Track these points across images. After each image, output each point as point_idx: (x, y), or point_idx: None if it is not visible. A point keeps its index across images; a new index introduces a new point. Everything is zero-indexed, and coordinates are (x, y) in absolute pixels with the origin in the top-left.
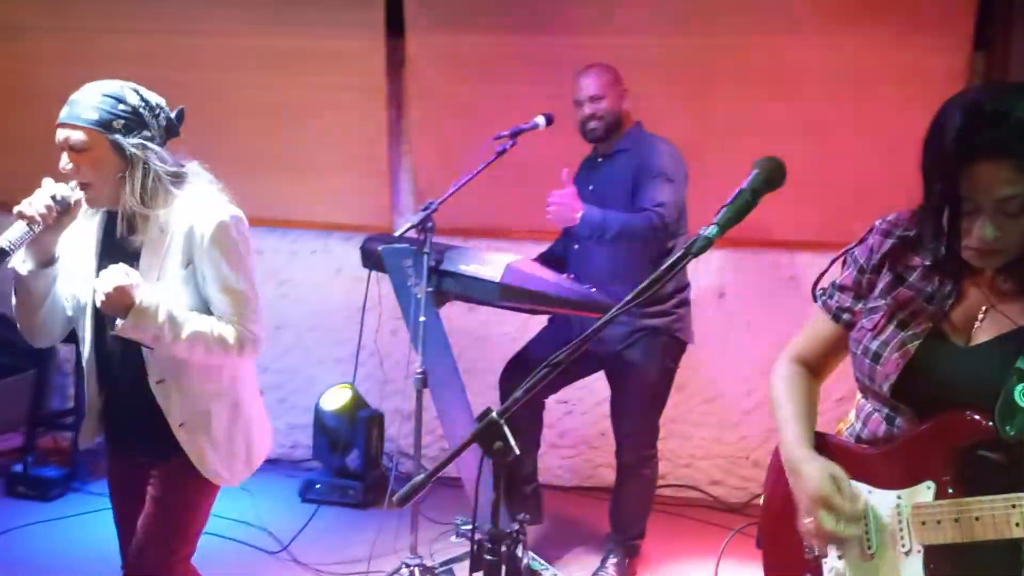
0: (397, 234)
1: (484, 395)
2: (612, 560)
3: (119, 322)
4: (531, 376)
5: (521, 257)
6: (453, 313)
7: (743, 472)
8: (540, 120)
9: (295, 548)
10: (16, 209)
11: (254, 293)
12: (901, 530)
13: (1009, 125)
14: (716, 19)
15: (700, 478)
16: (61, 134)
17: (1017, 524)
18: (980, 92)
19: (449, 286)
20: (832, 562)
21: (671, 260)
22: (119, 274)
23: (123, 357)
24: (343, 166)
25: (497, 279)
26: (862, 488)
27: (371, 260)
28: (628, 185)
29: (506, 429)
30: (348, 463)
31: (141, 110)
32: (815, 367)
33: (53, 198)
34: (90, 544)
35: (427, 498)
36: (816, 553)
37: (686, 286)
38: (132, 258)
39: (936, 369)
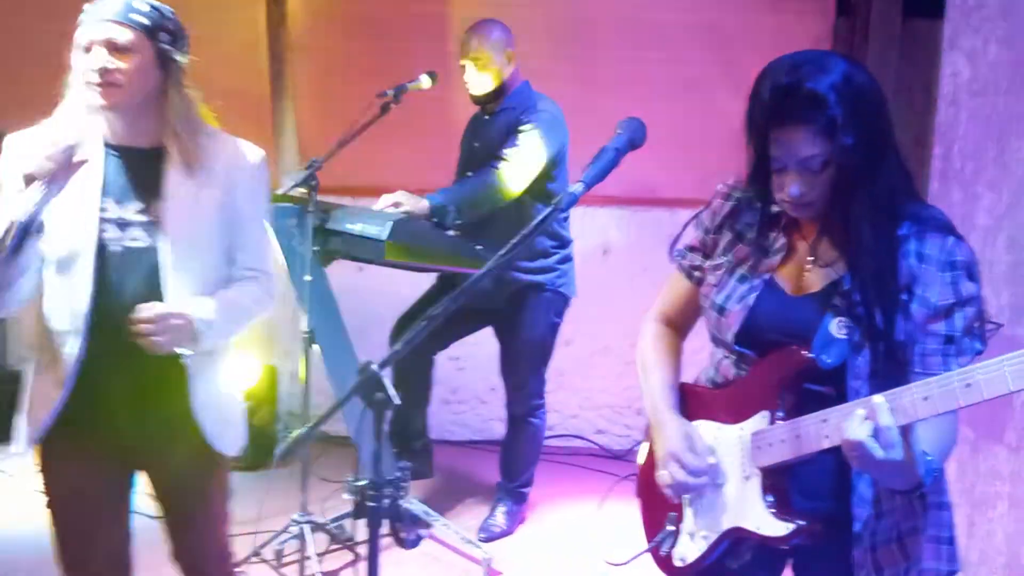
0: (280, 192)
1: (375, 354)
2: (501, 508)
3: (182, 350)
4: (411, 330)
5: (407, 215)
6: (343, 272)
7: (627, 421)
8: (424, 79)
9: None
10: (25, 172)
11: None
12: (743, 459)
13: (801, 96)
14: None
15: (586, 428)
16: (100, 30)
17: (827, 436)
18: (780, 66)
19: (335, 245)
20: (690, 498)
21: (541, 215)
22: (167, 307)
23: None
24: (223, 122)
25: (383, 237)
26: (711, 426)
27: None
28: (505, 142)
29: (385, 380)
30: None
31: (181, 30)
32: (677, 324)
33: (62, 150)
34: None
35: (320, 458)
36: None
37: (569, 242)
38: (150, 197)
39: (771, 317)
